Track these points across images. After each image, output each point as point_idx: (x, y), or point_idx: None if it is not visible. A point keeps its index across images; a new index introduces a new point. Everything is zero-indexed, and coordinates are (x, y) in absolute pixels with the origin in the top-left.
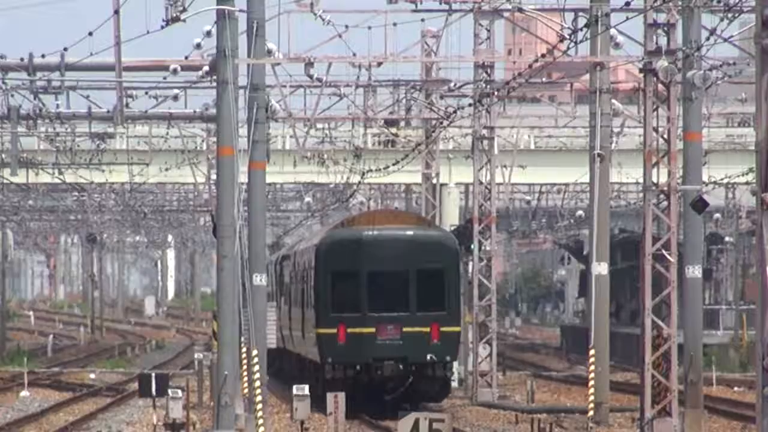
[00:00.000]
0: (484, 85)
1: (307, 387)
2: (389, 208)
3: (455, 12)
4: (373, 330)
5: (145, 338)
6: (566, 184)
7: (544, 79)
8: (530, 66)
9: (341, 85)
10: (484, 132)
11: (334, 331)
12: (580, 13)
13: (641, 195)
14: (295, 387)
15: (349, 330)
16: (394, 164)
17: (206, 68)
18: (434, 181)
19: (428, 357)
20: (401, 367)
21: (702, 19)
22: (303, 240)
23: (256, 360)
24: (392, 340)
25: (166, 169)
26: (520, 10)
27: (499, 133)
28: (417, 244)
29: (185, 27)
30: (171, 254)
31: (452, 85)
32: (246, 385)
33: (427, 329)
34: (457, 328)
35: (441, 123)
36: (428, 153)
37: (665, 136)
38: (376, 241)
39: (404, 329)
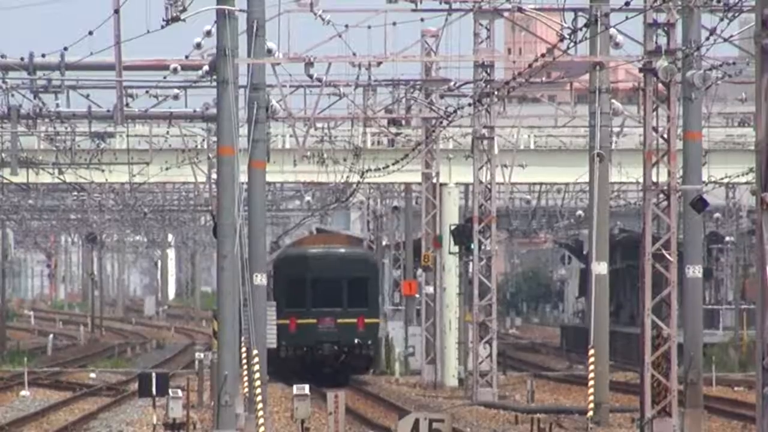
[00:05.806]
0: (484, 85)
1: (307, 386)
2: (329, 232)
3: (455, 11)
4: (315, 321)
5: (145, 338)
6: (566, 184)
7: (543, 79)
8: (530, 66)
9: (341, 85)
10: (484, 132)
11: (287, 322)
12: (580, 13)
13: (641, 195)
14: (295, 387)
15: (298, 321)
16: (393, 164)
17: (206, 68)
18: (434, 180)
19: (356, 341)
20: (336, 348)
21: (702, 18)
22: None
23: (256, 359)
24: (329, 329)
25: (167, 169)
26: (520, 9)
27: (499, 132)
28: (348, 259)
29: (185, 27)
30: (171, 254)
31: (452, 84)
32: (246, 384)
33: (355, 320)
34: (376, 320)
35: (441, 122)
36: (428, 153)
37: (665, 135)
38: (318, 256)
39: (338, 320)
